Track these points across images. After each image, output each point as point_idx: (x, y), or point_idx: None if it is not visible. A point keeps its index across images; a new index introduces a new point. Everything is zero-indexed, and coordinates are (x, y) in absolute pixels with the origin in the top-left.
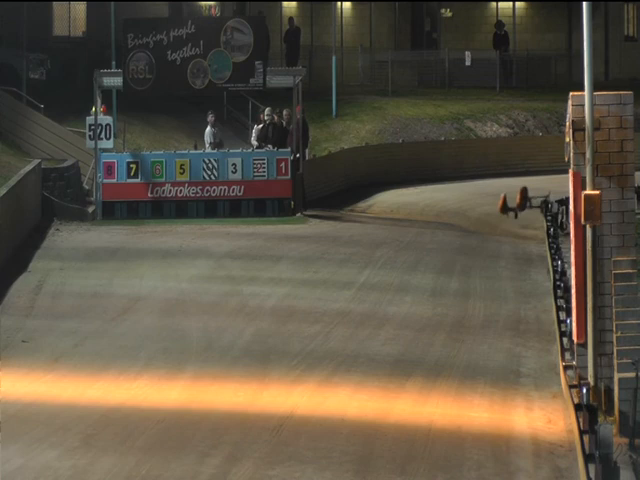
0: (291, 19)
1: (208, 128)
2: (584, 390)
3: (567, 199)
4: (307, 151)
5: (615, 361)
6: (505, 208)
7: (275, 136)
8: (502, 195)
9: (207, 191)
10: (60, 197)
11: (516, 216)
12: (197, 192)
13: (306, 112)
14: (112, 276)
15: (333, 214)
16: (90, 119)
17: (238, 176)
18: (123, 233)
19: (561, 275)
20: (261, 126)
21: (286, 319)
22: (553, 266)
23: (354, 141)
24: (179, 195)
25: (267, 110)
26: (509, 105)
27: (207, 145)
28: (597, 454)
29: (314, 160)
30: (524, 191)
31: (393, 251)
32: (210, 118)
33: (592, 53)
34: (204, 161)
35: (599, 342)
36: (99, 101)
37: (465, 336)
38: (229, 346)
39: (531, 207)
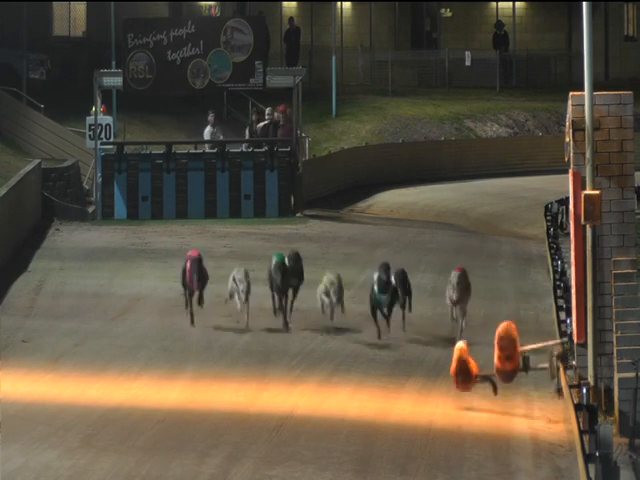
0: (291, 19)
1: (208, 127)
2: (584, 390)
3: (567, 199)
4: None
5: (615, 361)
6: (463, 375)
7: (275, 136)
8: (455, 356)
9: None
10: (60, 197)
11: (495, 392)
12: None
13: (305, 112)
14: (112, 276)
15: (333, 214)
16: (90, 119)
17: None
18: (123, 233)
19: (561, 275)
20: (262, 124)
21: None
22: (553, 266)
23: (354, 141)
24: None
25: (268, 110)
26: (509, 105)
27: (206, 145)
28: (597, 454)
29: (314, 160)
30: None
31: (393, 251)
32: (210, 117)
33: (592, 53)
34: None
35: (599, 342)
36: (99, 101)
37: (465, 336)
38: (229, 346)
39: (527, 370)
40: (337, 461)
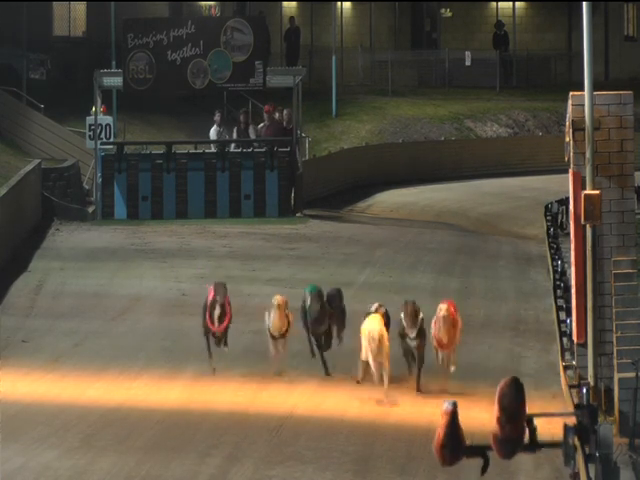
0: (291, 19)
1: (214, 127)
2: (584, 390)
3: (567, 199)
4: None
5: (615, 361)
6: (452, 445)
7: (275, 136)
8: (443, 421)
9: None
10: (60, 197)
11: (484, 471)
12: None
13: (305, 112)
14: (112, 276)
15: (333, 214)
16: (90, 119)
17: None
18: (123, 233)
19: (561, 275)
20: (261, 125)
21: None
22: (553, 266)
23: (354, 141)
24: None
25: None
26: (509, 105)
27: (212, 145)
28: (597, 454)
29: (314, 160)
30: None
31: (393, 251)
32: (217, 117)
33: (592, 53)
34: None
35: (599, 342)
36: (99, 101)
37: (465, 336)
38: (229, 346)
39: (535, 446)
40: (337, 461)
